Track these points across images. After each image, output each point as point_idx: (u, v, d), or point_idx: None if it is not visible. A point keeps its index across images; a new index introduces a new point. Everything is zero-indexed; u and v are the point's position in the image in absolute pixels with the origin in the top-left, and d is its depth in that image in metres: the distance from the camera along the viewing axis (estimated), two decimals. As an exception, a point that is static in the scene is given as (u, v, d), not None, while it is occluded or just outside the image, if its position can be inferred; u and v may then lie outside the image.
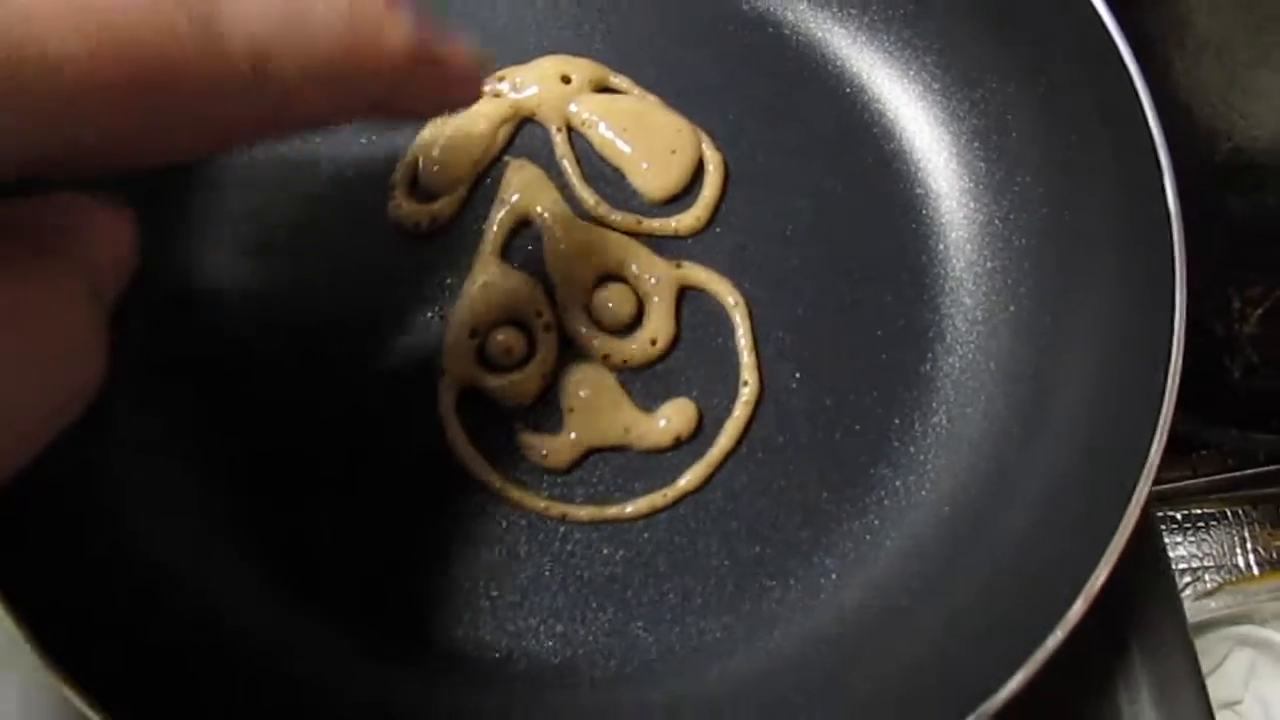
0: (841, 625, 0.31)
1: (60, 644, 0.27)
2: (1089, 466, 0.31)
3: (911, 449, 0.34)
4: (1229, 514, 0.72)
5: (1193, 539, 0.72)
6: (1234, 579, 0.68)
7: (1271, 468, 0.67)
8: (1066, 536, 0.30)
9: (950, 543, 0.32)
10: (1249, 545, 0.72)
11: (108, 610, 0.29)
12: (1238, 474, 0.68)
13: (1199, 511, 0.72)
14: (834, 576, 0.33)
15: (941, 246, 0.36)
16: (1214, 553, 0.72)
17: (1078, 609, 0.27)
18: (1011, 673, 0.26)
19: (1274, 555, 0.71)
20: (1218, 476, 0.68)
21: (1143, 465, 0.28)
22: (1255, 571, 0.71)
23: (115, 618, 0.29)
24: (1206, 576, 0.72)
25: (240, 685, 0.29)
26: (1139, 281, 0.33)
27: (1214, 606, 0.61)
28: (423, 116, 0.25)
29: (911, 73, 0.37)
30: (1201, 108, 0.63)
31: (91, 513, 0.30)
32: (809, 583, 0.33)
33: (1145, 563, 0.37)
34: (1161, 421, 0.30)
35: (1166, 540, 0.70)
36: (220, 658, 0.30)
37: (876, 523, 0.33)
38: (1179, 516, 0.72)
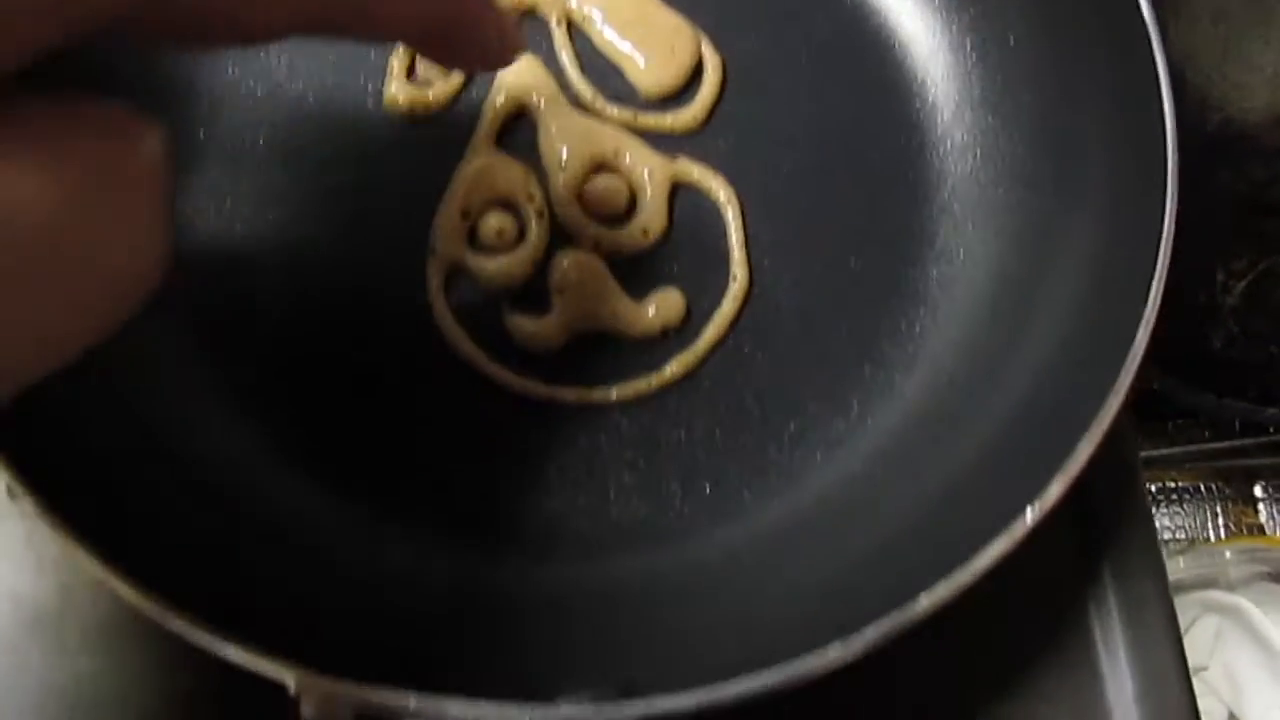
0: (821, 509, 0.31)
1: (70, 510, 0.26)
2: (1071, 364, 0.31)
3: (896, 350, 0.34)
4: (1202, 489, 0.73)
5: (1165, 511, 0.72)
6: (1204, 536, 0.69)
7: (1245, 441, 0.68)
8: (1047, 430, 0.30)
9: (932, 436, 0.32)
10: (1220, 520, 0.72)
11: (120, 481, 0.29)
12: (1213, 445, 0.68)
13: (1173, 485, 0.73)
14: (815, 469, 0.33)
15: (937, 156, 0.36)
16: (1186, 525, 0.72)
17: (1055, 490, 0.27)
18: (988, 542, 0.26)
19: (1245, 530, 0.72)
20: (1193, 447, 0.69)
21: (1126, 355, 0.29)
22: (1226, 543, 0.71)
23: (126, 486, 0.29)
24: (1180, 559, 0.73)
25: (240, 545, 0.29)
26: (1130, 196, 0.33)
27: (1182, 567, 0.61)
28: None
29: (914, -19, 0.37)
30: (1195, 76, 0.64)
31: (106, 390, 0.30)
32: (789, 472, 0.33)
33: (1121, 486, 0.37)
34: (1144, 325, 0.29)
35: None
36: (221, 519, 0.29)
37: (858, 416, 0.33)
38: (1153, 489, 0.73)
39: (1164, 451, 0.68)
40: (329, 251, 0.34)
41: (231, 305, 0.33)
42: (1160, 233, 0.30)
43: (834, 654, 0.25)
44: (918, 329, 0.34)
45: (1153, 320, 0.29)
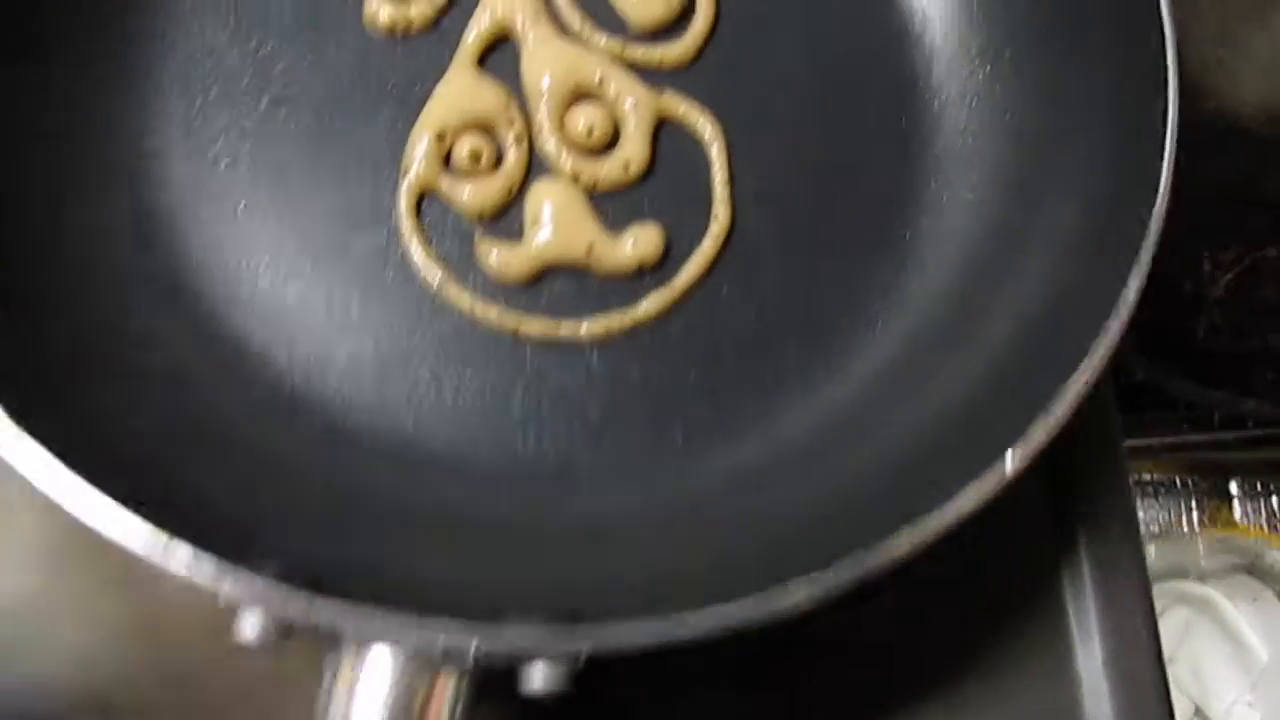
0: (790, 452, 0.30)
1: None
2: (1057, 319, 0.30)
3: (879, 299, 0.33)
4: (1177, 483, 0.72)
5: (1140, 504, 0.72)
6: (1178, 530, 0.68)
7: (1223, 434, 0.67)
8: (1028, 382, 0.29)
9: (912, 384, 0.31)
10: (1195, 515, 0.72)
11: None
12: (1191, 437, 0.68)
13: (1149, 478, 0.72)
14: (789, 414, 0.32)
15: (932, 105, 0.35)
16: (1159, 519, 0.72)
17: (1038, 433, 0.26)
18: (964, 486, 0.25)
19: (1219, 526, 0.71)
20: (1170, 439, 0.68)
21: (1113, 307, 0.28)
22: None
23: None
24: (1152, 545, 0.72)
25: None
26: (1128, 154, 0.32)
27: (1154, 556, 0.60)
28: None
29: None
30: (1189, 58, 0.63)
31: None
32: (762, 416, 0.32)
33: (1098, 453, 0.36)
34: (1133, 283, 0.28)
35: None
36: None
37: (837, 364, 0.32)
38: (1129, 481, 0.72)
39: (1141, 442, 0.67)
40: (297, 164, 0.33)
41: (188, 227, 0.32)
42: (1156, 194, 0.29)
43: (801, 593, 0.24)
44: (902, 278, 0.33)
45: (1142, 282, 0.28)
